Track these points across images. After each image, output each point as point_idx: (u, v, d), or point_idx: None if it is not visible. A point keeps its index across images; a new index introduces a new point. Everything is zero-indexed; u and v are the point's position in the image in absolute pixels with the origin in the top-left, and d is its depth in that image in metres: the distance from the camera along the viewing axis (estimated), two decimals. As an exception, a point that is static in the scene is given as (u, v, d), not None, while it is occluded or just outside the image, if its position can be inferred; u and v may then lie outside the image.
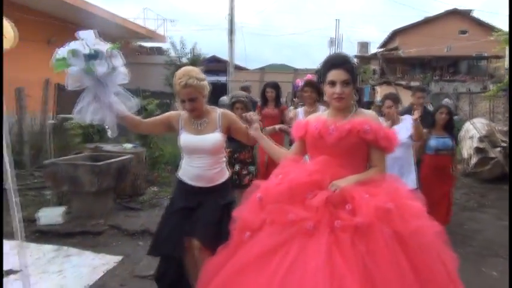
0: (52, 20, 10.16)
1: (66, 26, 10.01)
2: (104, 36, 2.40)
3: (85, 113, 2.42)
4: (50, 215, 4.42)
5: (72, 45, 2.27)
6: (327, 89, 1.99)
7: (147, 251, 2.78)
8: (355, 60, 3.23)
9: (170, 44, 16.05)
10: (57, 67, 2.30)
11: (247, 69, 29.57)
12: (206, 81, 2.61)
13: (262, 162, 4.78)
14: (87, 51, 2.26)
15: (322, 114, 2.22)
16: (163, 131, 2.89)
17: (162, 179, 6.75)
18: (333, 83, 1.96)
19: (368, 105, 4.41)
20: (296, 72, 21.99)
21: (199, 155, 2.58)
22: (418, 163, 4.20)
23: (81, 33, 2.32)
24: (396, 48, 29.24)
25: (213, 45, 41.40)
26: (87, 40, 2.29)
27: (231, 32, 19.09)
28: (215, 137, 2.58)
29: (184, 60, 15.69)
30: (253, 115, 2.33)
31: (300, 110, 4.43)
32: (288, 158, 2.13)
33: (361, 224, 1.69)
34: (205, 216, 2.56)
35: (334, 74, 1.95)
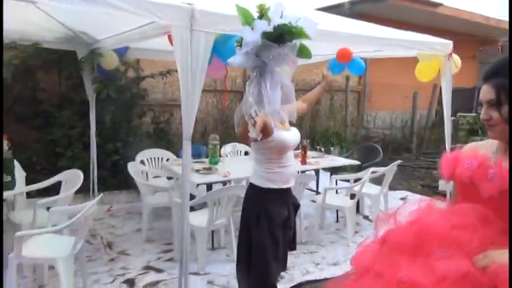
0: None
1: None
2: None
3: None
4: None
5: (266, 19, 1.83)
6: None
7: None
8: None
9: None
10: (240, 13, 1.88)
11: None
12: None
13: None
14: (268, 28, 1.81)
15: (487, 144, 1.48)
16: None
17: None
18: (481, 105, 1.39)
19: None
20: None
21: (291, 152, 2.49)
22: None
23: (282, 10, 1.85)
24: None
25: None
26: (274, 19, 1.81)
27: None
28: (296, 130, 2.53)
29: None
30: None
31: None
32: (432, 203, 1.51)
33: None
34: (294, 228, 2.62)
35: (481, 92, 1.38)
